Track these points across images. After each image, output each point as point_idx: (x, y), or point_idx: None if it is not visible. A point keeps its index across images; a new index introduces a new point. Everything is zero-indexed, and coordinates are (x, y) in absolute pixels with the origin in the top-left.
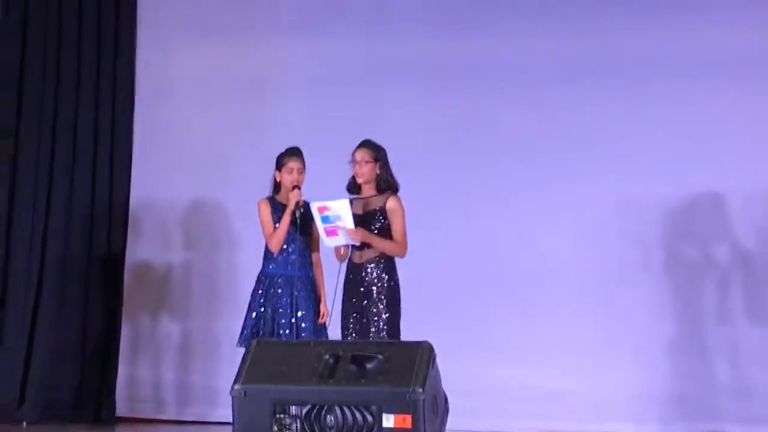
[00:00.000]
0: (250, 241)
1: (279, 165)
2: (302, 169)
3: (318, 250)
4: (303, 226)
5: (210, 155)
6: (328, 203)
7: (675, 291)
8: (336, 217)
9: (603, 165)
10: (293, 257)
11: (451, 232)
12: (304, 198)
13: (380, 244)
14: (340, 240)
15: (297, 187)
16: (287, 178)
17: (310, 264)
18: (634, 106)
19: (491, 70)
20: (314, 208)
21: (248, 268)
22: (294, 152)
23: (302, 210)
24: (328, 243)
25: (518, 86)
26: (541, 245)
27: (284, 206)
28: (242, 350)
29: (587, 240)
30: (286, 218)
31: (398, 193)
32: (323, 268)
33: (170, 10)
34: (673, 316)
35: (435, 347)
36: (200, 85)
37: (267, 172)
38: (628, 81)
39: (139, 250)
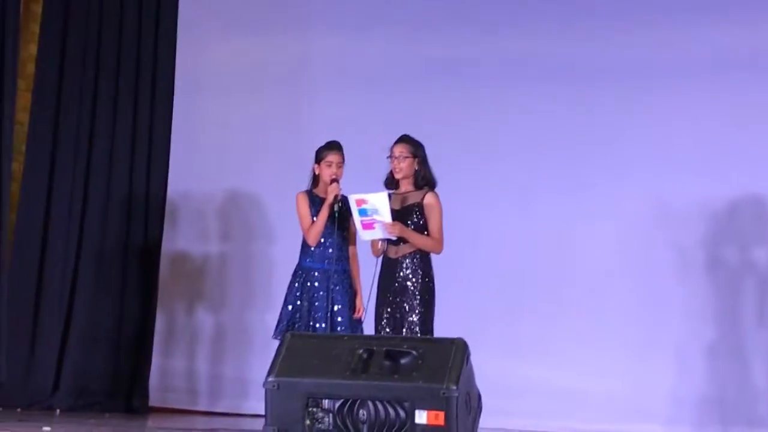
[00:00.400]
0: (286, 234)
1: (318, 158)
2: (341, 163)
3: (355, 244)
4: (341, 220)
5: (247, 148)
6: (366, 196)
7: (714, 293)
8: (373, 210)
9: (641, 163)
10: (330, 251)
11: (484, 229)
12: (341, 192)
13: (417, 240)
14: (377, 233)
15: (336, 180)
16: (326, 172)
17: (347, 258)
18: (674, 102)
19: (525, 66)
20: (352, 200)
21: (283, 261)
22: (333, 146)
23: (340, 204)
24: (364, 236)
25: (553, 83)
26: (578, 244)
27: (322, 200)
28: (275, 343)
29: (624, 240)
30: (324, 212)
31: (436, 189)
32: (359, 263)
33: (209, 4)
34: (711, 318)
35: (468, 345)
36: (238, 79)
37: (303, 165)
38: (671, 76)
39: (176, 241)
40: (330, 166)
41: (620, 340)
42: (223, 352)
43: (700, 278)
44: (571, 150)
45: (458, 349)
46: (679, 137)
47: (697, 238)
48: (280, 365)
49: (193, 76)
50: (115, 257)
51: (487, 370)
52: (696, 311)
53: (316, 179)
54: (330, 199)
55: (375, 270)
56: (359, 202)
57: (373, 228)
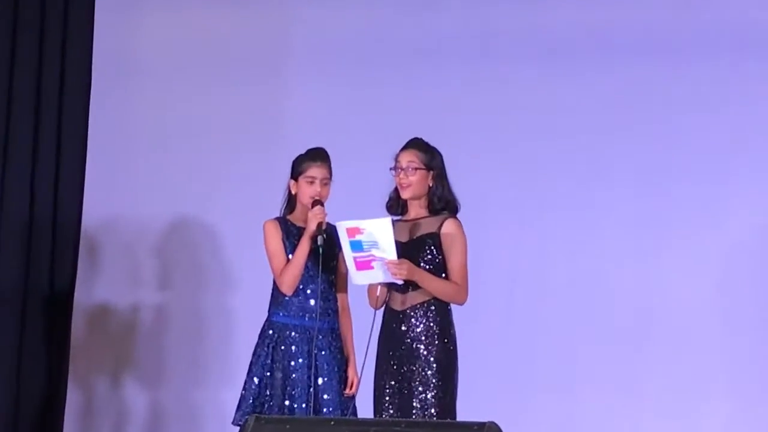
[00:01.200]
0: (250, 278)
1: (296, 173)
2: (328, 179)
3: (346, 291)
4: (327, 258)
5: (197, 160)
6: (361, 223)
7: None
8: (372, 243)
9: (746, 180)
10: (312, 302)
11: (526, 266)
12: (328, 219)
13: (432, 285)
14: (376, 276)
15: (320, 202)
16: (306, 191)
17: (336, 311)
18: None
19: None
20: (342, 229)
21: (246, 315)
22: (317, 155)
23: (326, 236)
24: (358, 280)
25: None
26: (650, 289)
27: (301, 230)
28: (236, 430)
29: (714, 280)
30: (304, 247)
31: (458, 215)
32: (352, 317)
33: None
34: None
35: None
36: (183, 65)
37: (275, 183)
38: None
39: (95, 287)
40: (312, 183)
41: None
42: None
43: None
44: (634, 155)
45: None
46: None
47: None
48: None
49: (118, 62)
50: (9, 309)
51: None
52: None
53: (292, 202)
54: (312, 228)
55: (373, 327)
56: (352, 231)
57: (371, 267)
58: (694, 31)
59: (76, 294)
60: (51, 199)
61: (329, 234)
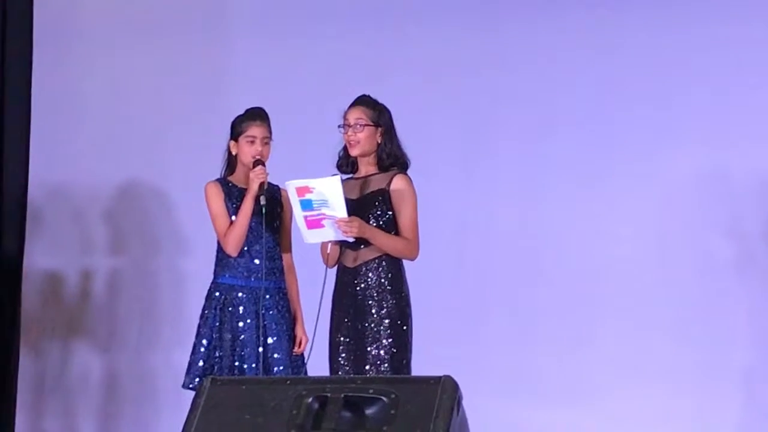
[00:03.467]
0: (201, 240)
1: (235, 133)
2: (268, 138)
3: (290, 251)
4: (271, 217)
5: (143, 121)
6: (310, 181)
7: None
8: (321, 201)
9: (686, 131)
10: (258, 262)
11: (475, 223)
12: (270, 180)
13: (383, 241)
14: (327, 234)
15: (260, 162)
16: (247, 151)
17: (281, 270)
18: (730, 49)
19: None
20: (291, 188)
21: (199, 277)
22: (256, 115)
23: (268, 195)
24: (309, 238)
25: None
26: (605, 243)
27: (243, 191)
28: (189, 394)
29: (667, 232)
30: (247, 207)
31: (408, 171)
32: (298, 275)
33: None
34: None
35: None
36: (126, 26)
37: (223, 144)
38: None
39: (44, 254)
40: (252, 142)
41: (669, 370)
42: (116, 408)
43: (763, 277)
44: (586, 112)
45: (445, 390)
46: (736, 94)
47: (759, 226)
48: (197, 425)
49: (59, 26)
50: None
51: (488, 418)
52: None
53: (232, 162)
54: (254, 188)
55: (325, 285)
56: (301, 190)
57: (322, 226)
58: None
59: (25, 262)
60: None
61: (271, 194)
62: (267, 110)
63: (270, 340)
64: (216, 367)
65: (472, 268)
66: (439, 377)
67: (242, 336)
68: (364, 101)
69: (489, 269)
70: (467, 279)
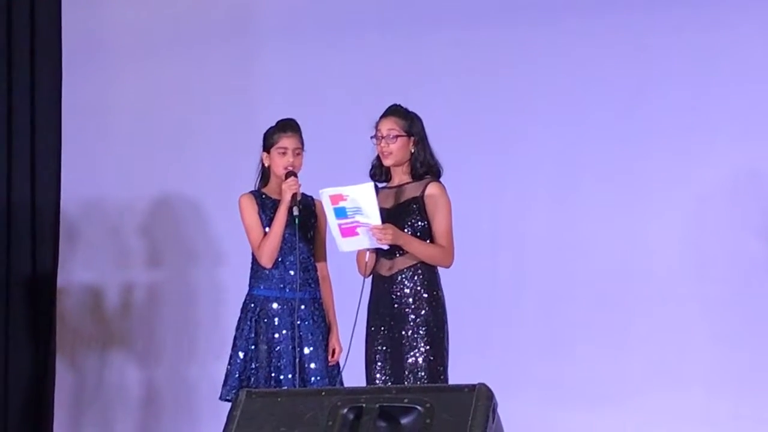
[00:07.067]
0: (238, 252)
1: (267, 145)
2: (300, 149)
3: (325, 261)
4: (305, 228)
5: (175, 133)
6: (344, 190)
7: None
8: (355, 209)
9: (721, 131)
10: (292, 273)
11: (504, 231)
12: (303, 190)
13: (418, 249)
14: (362, 242)
15: (293, 173)
16: (279, 162)
17: (316, 281)
18: (765, 49)
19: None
20: (325, 197)
21: (236, 289)
22: (287, 126)
23: (301, 206)
24: (344, 247)
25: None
26: (633, 246)
27: (276, 202)
28: (226, 406)
29: (697, 232)
30: (281, 219)
31: (441, 179)
32: (332, 284)
33: None
34: None
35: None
36: (155, 39)
37: (257, 154)
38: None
39: (81, 268)
40: (284, 154)
41: (706, 372)
42: (154, 420)
43: None
44: (624, 110)
45: (480, 398)
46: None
47: None
48: None
49: (88, 40)
50: None
51: (524, 425)
52: None
53: (266, 174)
54: (287, 199)
55: (362, 295)
56: (335, 198)
57: (356, 234)
58: None
59: (62, 277)
60: (28, 185)
61: (305, 204)
62: (298, 121)
63: (306, 350)
64: (252, 379)
65: (506, 274)
66: (474, 385)
67: (278, 347)
68: (395, 111)
69: (523, 275)
70: (501, 285)
